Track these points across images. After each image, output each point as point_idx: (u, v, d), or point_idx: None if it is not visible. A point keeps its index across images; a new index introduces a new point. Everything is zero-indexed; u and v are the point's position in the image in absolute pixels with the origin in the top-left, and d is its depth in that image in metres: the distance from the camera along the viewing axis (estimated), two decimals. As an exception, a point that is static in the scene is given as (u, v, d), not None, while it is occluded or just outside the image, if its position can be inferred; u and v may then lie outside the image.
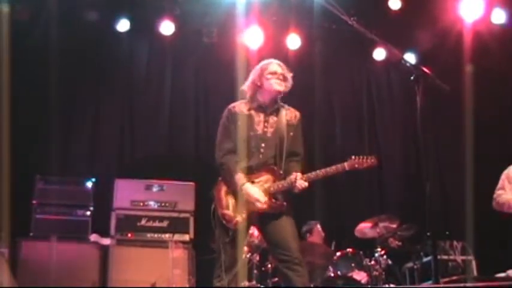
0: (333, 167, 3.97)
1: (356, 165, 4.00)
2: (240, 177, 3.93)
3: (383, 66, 8.53)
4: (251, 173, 3.98)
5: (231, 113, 4.09)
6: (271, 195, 3.95)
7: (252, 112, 4.07)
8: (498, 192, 5.47)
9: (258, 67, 4.17)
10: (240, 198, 3.93)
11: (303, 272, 3.83)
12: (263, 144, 4.01)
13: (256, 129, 4.03)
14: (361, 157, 4.02)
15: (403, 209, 7.59)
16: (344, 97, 8.56)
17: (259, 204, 3.90)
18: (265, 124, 4.06)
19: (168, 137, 7.72)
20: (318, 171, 3.95)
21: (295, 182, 3.90)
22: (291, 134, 4.07)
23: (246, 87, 4.16)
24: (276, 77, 4.08)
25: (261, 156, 4.00)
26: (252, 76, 4.14)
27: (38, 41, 7.06)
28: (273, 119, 4.09)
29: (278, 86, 4.08)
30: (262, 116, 4.08)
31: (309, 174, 3.94)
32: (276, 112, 4.11)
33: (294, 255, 3.83)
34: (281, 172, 3.99)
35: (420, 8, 7.52)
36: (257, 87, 4.10)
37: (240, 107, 4.11)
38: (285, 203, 3.97)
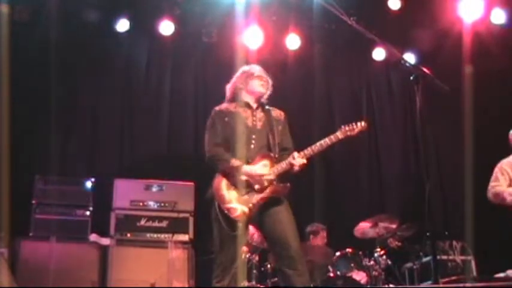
0: (327, 139, 4.00)
1: (348, 133, 4.05)
2: (234, 161, 3.94)
3: (383, 67, 8.53)
4: (245, 162, 3.98)
5: (216, 113, 4.16)
6: (272, 178, 3.95)
7: (239, 109, 4.13)
8: (492, 183, 5.53)
9: (241, 71, 4.27)
10: (240, 183, 3.91)
11: (302, 270, 3.80)
12: (253, 136, 4.05)
13: (246, 123, 4.07)
14: (351, 124, 4.08)
15: (403, 209, 7.59)
16: (344, 97, 8.56)
17: (266, 177, 3.89)
18: (254, 118, 4.11)
19: (167, 137, 7.71)
20: (313, 146, 3.99)
21: (293, 160, 3.92)
22: (280, 127, 4.14)
23: (227, 90, 4.27)
24: (260, 79, 4.18)
25: (252, 146, 4.03)
26: (235, 79, 4.25)
27: (38, 41, 7.06)
28: (260, 114, 4.15)
29: (262, 87, 4.17)
30: (249, 111, 4.14)
31: (305, 151, 3.98)
32: (261, 109, 4.19)
33: (294, 253, 3.80)
34: (276, 156, 4.01)
35: (420, 8, 7.52)
36: (239, 90, 4.18)
37: (225, 106, 4.20)
38: (288, 184, 3.98)
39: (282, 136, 4.14)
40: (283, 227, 3.88)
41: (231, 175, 3.95)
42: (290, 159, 3.95)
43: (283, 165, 3.96)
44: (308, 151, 3.98)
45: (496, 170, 5.60)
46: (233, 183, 3.95)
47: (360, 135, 4.10)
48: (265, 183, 3.92)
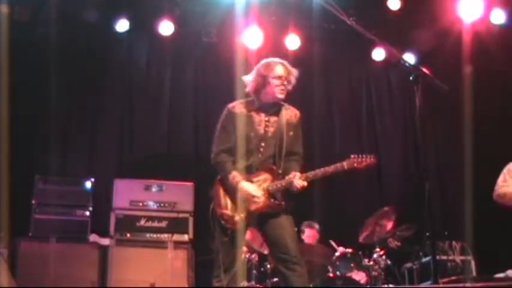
0: (332, 166, 3.96)
1: (355, 164, 3.97)
2: (234, 176, 3.93)
3: (382, 67, 8.53)
4: (250, 172, 3.98)
5: (230, 113, 4.07)
6: (270, 194, 3.94)
7: (253, 113, 4.05)
8: (500, 184, 5.49)
9: (262, 67, 4.10)
10: (238, 196, 3.92)
11: (301, 271, 3.82)
12: (263, 144, 4.00)
13: (257, 129, 4.01)
14: (360, 156, 3.99)
15: (403, 209, 7.58)
16: (343, 97, 8.56)
17: (256, 200, 3.89)
18: (267, 123, 4.05)
19: (167, 137, 7.71)
20: (316, 171, 3.94)
21: (293, 181, 3.89)
22: (291, 133, 4.06)
23: (249, 87, 4.10)
24: (281, 82, 4.03)
25: (260, 155, 4.00)
26: (256, 76, 4.08)
27: (38, 41, 7.06)
28: (273, 118, 4.07)
29: (280, 94, 4.04)
30: (263, 115, 4.06)
31: (308, 174, 3.94)
32: (277, 112, 4.10)
33: (293, 255, 3.82)
34: (280, 171, 3.99)
35: (419, 9, 7.52)
36: (260, 88, 4.06)
37: (239, 107, 4.08)
38: (283, 203, 3.97)
39: (292, 141, 4.06)
40: (282, 230, 3.89)
41: (227, 182, 3.96)
42: (291, 177, 3.91)
43: (282, 183, 3.93)
44: (311, 174, 3.94)
45: (504, 171, 5.56)
46: (230, 190, 3.97)
47: (366, 169, 4.02)
48: (257, 205, 3.90)
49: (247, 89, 4.11)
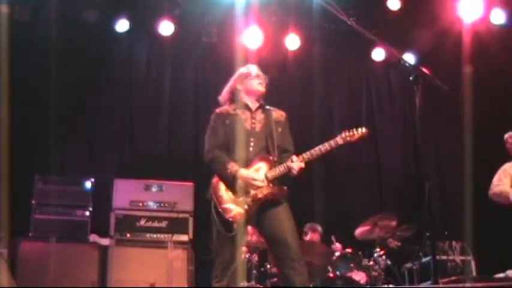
0: (326, 144, 3.98)
1: (348, 138, 4.03)
2: (232, 165, 3.95)
3: (382, 67, 8.54)
4: (244, 165, 3.98)
5: (217, 115, 4.16)
6: (268, 181, 3.95)
7: (238, 111, 4.13)
8: (496, 183, 5.60)
9: (239, 73, 4.28)
10: (238, 187, 3.92)
11: (302, 270, 3.80)
12: (252, 139, 4.05)
13: (244, 126, 4.07)
14: (351, 130, 4.06)
15: (403, 209, 7.59)
16: (343, 97, 8.56)
17: (258, 183, 3.89)
18: (253, 120, 4.10)
19: (167, 137, 7.72)
20: (312, 150, 3.96)
21: (291, 164, 3.91)
22: (279, 129, 4.12)
23: (222, 95, 4.28)
24: (258, 78, 4.19)
25: (251, 149, 4.02)
26: (232, 81, 4.26)
27: (38, 41, 7.06)
28: (259, 116, 4.14)
29: (261, 86, 4.18)
30: (248, 113, 4.13)
31: (304, 155, 3.96)
32: (261, 110, 4.17)
33: (293, 253, 3.80)
34: (275, 159, 4.00)
35: (419, 9, 7.53)
36: (238, 91, 4.19)
37: (226, 108, 4.19)
38: (285, 187, 3.99)
39: (282, 138, 4.11)
40: (282, 228, 3.87)
41: (226, 174, 3.96)
42: (288, 162, 3.94)
43: (281, 168, 3.95)
44: (307, 155, 3.96)
45: (500, 172, 5.68)
46: (230, 185, 3.96)
47: (359, 141, 4.07)
48: (259, 188, 3.91)
49: (224, 98, 4.28)
